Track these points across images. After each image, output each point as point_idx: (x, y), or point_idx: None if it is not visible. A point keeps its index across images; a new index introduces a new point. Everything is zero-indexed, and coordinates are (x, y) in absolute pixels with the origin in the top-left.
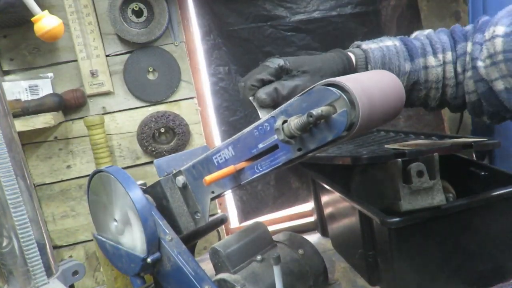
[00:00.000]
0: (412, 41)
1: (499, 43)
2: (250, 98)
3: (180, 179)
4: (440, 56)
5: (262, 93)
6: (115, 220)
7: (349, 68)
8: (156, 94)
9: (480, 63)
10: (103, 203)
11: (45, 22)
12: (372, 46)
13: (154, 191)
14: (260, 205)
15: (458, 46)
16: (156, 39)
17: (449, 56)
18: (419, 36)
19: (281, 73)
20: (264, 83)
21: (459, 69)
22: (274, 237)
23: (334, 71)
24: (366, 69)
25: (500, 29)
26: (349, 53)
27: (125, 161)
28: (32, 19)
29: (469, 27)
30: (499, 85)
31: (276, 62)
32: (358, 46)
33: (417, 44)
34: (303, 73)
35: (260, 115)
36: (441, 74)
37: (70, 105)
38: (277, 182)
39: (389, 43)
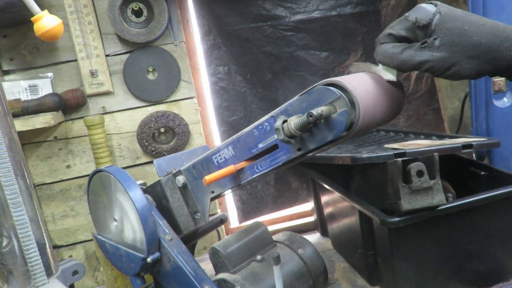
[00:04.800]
0: None
1: None
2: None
3: (180, 179)
4: None
5: (379, 53)
6: (115, 220)
7: None
8: (156, 94)
9: None
10: (103, 203)
11: (45, 21)
12: None
13: (154, 191)
14: (260, 205)
15: None
16: (156, 39)
17: None
18: None
19: (421, 30)
20: (396, 39)
21: None
22: (274, 237)
23: (494, 55)
24: None
25: None
26: None
27: (125, 161)
28: (32, 18)
29: None
30: None
31: (422, 12)
32: None
33: None
34: (438, 47)
35: (380, 73)
36: None
37: (70, 105)
38: (277, 182)
39: None
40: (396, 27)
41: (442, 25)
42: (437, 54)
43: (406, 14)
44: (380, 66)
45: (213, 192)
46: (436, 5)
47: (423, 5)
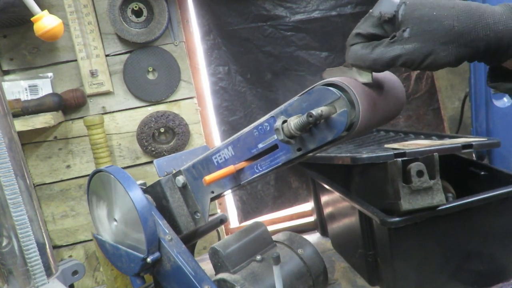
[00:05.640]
0: None
1: None
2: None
3: (180, 179)
4: None
5: (350, 55)
6: (115, 220)
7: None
8: (156, 94)
9: None
10: (103, 203)
11: (45, 21)
12: None
13: (154, 191)
14: (260, 205)
15: None
16: (156, 39)
17: None
18: None
19: (388, 24)
20: (365, 38)
21: None
22: (274, 237)
23: (471, 37)
24: None
25: None
26: None
27: (124, 161)
28: (32, 18)
29: None
30: None
31: (386, 4)
32: None
33: None
34: (409, 39)
35: (355, 76)
36: None
37: (69, 105)
38: (277, 182)
39: None
40: (363, 26)
41: (409, 14)
42: (409, 46)
43: (371, 10)
44: (354, 69)
45: (213, 192)
46: None
47: None
